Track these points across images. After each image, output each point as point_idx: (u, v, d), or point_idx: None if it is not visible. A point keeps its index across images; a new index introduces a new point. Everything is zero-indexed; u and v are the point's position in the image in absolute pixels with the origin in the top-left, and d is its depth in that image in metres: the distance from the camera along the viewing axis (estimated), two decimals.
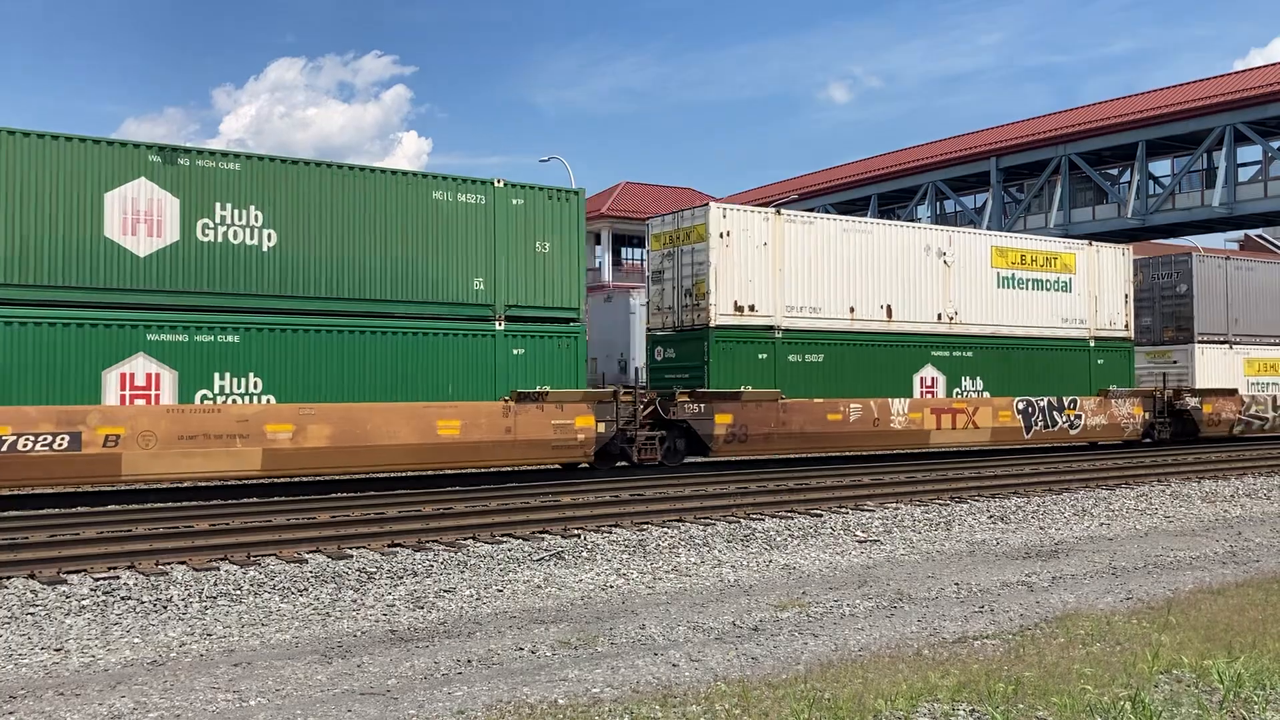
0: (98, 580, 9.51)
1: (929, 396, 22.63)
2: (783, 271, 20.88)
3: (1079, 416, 24.89)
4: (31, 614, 8.45)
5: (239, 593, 9.25)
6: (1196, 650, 6.53)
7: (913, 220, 49.36)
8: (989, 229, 48.68)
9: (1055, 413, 24.53)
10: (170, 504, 15.00)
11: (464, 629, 8.04)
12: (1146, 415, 26.18)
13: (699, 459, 20.88)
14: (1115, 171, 47.80)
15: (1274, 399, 29.30)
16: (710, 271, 20.07)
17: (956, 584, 9.73)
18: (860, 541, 12.42)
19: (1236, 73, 46.45)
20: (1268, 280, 29.79)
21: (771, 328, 20.71)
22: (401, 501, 15.25)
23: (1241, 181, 41.96)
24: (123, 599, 8.90)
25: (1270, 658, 6.29)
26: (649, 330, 21.95)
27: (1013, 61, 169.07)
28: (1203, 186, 43.22)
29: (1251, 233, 64.98)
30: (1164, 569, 10.60)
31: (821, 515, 13.97)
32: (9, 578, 9.55)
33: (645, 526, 12.87)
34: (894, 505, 15.03)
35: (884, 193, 53.66)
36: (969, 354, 23.32)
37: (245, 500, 15.40)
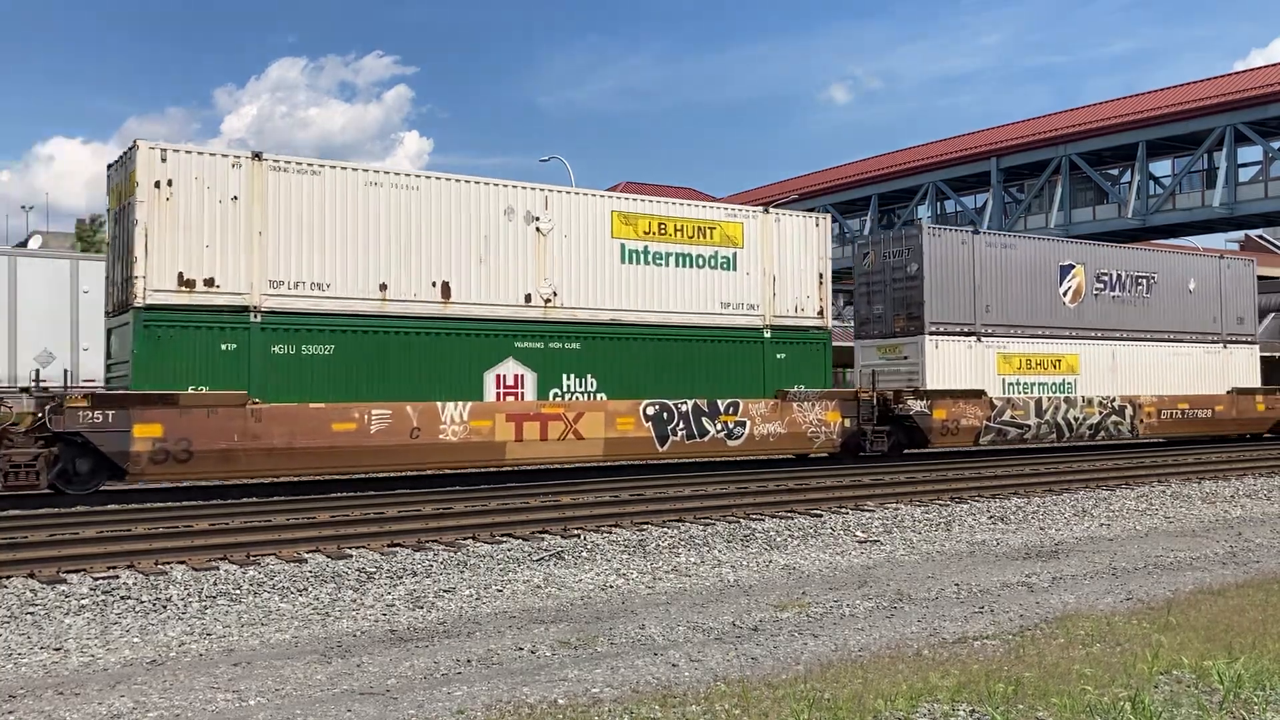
0: (97, 580, 9.50)
1: (509, 400, 18.11)
2: (264, 235, 16.18)
3: (742, 424, 20.22)
4: (31, 613, 8.45)
5: (238, 592, 9.25)
6: (1196, 651, 6.52)
7: (913, 221, 49.31)
8: (989, 229, 48.81)
9: (706, 419, 19.87)
10: (169, 504, 14.99)
11: (463, 629, 8.04)
12: (848, 423, 21.35)
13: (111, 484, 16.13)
14: (1116, 172, 47.79)
15: (1038, 403, 24.30)
16: (139, 232, 15.42)
17: (956, 584, 9.73)
18: (860, 542, 12.41)
19: (1237, 73, 46.46)
20: (1031, 261, 24.84)
21: (245, 309, 16.04)
22: (401, 501, 15.25)
23: (1242, 182, 41.96)
24: (122, 598, 8.89)
25: (1270, 658, 6.29)
26: (106, 314, 17.44)
27: (1013, 62, 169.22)
28: (1203, 187, 43.22)
29: (1252, 233, 64.97)
30: (1164, 569, 10.60)
31: (821, 515, 13.96)
32: (8, 577, 9.54)
33: (645, 526, 12.86)
34: (894, 505, 15.02)
35: (884, 193, 53.67)
36: (575, 346, 18.80)
37: (244, 500, 15.39)
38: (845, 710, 5.37)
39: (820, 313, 21.52)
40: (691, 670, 6.58)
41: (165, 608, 8.71)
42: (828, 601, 8.94)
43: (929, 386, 22.79)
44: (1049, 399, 24.59)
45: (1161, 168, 46.70)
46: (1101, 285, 26.10)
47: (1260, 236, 68.10)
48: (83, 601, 8.78)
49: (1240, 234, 65.07)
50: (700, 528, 12.83)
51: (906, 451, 23.15)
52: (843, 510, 14.49)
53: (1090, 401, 25.28)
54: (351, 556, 10.70)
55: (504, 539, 11.86)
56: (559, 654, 7.17)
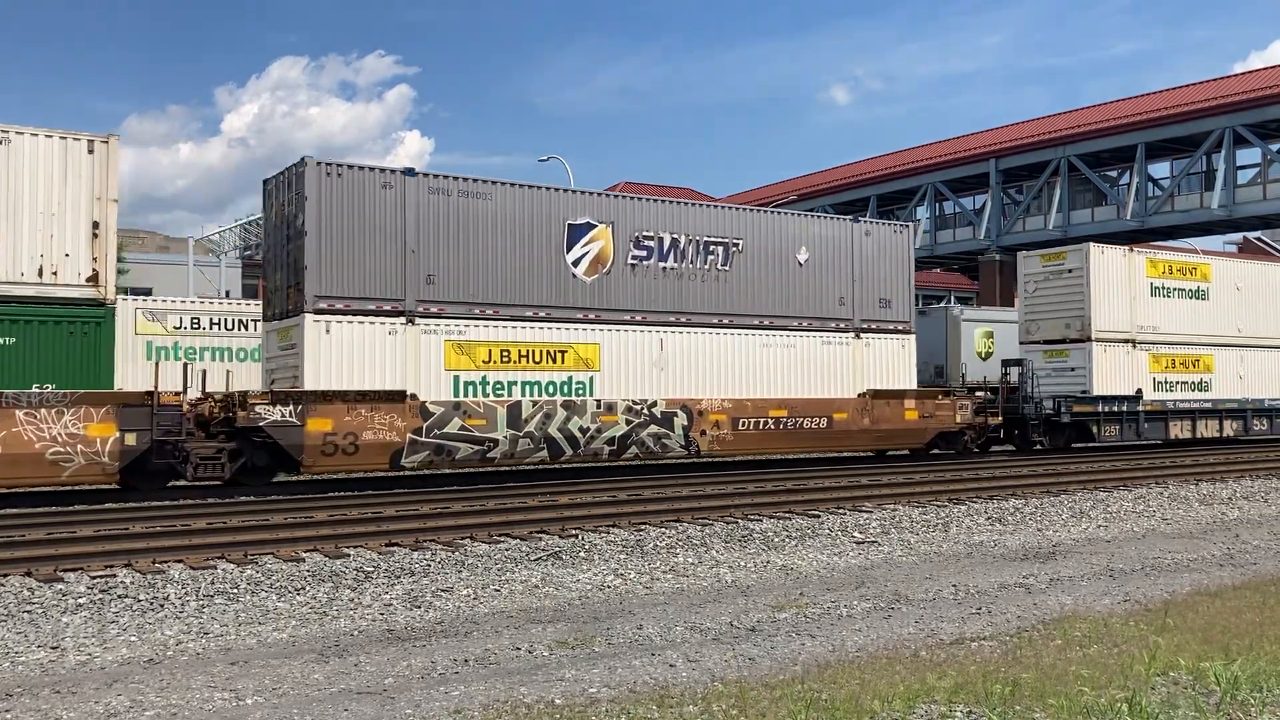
0: (94, 578, 9.50)
1: None
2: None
3: None
4: (28, 612, 8.45)
5: (236, 591, 9.25)
6: (1194, 652, 6.53)
7: (912, 222, 49.49)
8: (988, 230, 48.79)
9: None
10: (167, 502, 14.99)
11: (461, 628, 8.04)
12: (132, 439, 15.14)
13: None
14: (1115, 173, 47.83)
15: (513, 409, 18.09)
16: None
17: (954, 585, 9.73)
18: (858, 542, 12.41)
19: (1235, 75, 46.54)
20: (517, 217, 18.71)
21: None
22: (399, 501, 15.25)
23: (1240, 184, 41.99)
24: (119, 597, 8.89)
25: (1267, 660, 6.29)
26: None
27: (1014, 63, 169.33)
28: (1202, 189, 43.26)
29: (1250, 235, 65.03)
30: (1161, 571, 10.60)
31: (819, 516, 13.97)
32: (6, 575, 9.54)
33: (643, 527, 12.86)
34: (892, 506, 15.03)
35: (883, 194, 53.70)
36: None
37: (241, 499, 15.39)
38: (843, 711, 5.37)
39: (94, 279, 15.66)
40: (689, 670, 6.58)
41: (163, 607, 8.70)
42: (825, 602, 8.94)
43: (309, 385, 16.55)
44: (535, 403, 18.40)
45: (1160, 169, 46.75)
46: (644, 253, 19.92)
47: (1259, 239, 68.15)
48: (80, 600, 8.78)
49: (1239, 236, 65.14)
50: (698, 528, 12.83)
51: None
52: (840, 511, 14.49)
53: (611, 407, 19.11)
54: (349, 556, 10.70)
55: (502, 539, 11.86)
56: (556, 654, 7.16)
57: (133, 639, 7.74)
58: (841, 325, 22.19)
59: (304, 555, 10.73)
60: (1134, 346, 26.40)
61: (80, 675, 6.75)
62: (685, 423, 20.02)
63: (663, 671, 6.56)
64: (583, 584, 9.90)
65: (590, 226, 19.53)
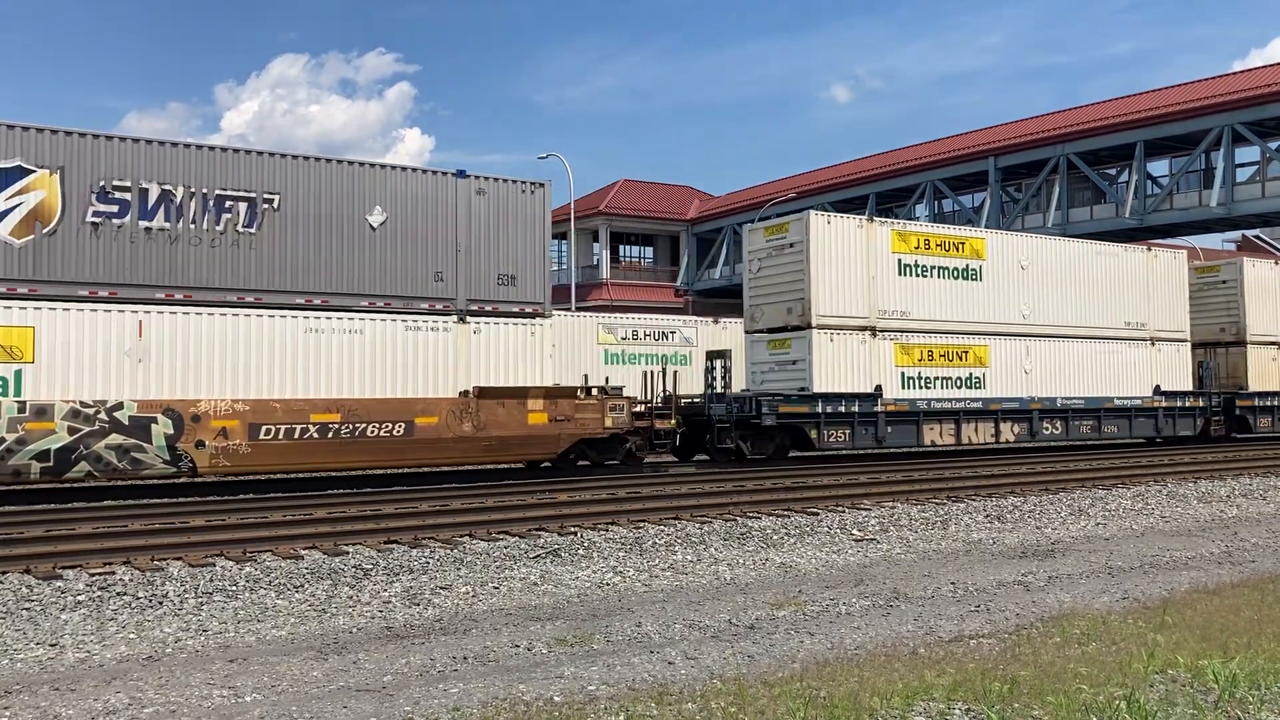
0: (93, 576, 9.50)
1: None
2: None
3: None
4: (27, 609, 8.44)
5: (235, 589, 9.24)
6: (1192, 650, 6.53)
7: (911, 220, 49.45)
8: (987, 228, 48.78)
9: None
10: (166, 499, 14.99)
11: (460, 626, 8.04)
12: None
13: None
14: (1114, 171, 47.82)
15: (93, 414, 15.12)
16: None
17: (953, 583, 9.73)
18: (857, 540, 12.42)
19: (1235, 73, 46.50)
20: None
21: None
22: (398, 499, 15.25)
23: (1239, 182, 41.99)
24: (118, 594, 8.89)
25: (1265, 658, 6.30)
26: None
27: (1015, 62, 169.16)
28: (1201, 187, 43.25)
29: (1249, 233, 65.07)
30: (1160, 569, 10.61)
31: (818, 514, 13.97)
32: (4, 573, 9.54)
33: (642, 524, 12.87)
34: (891, 504, 15.03)
35: (882, 191, 53.67)
36: None
37: (241, 497, 15.39)
38: (842, 708, 5.37)
39: None
40: (688, 668, 6.58)
41: (161, 604, 8.70)
42: (824, 600, 8.94)
43: None
44: None
45: (1159, 167, 46.73)
46: (114, 208, 15.82)
47: (1258, 237, 68.17)
48: (79, 597, 8.78)
49: (1237, 234, 65.16)
50: (697, 526, 12.83)
51: None
52: (839, 509, 14.50)
53: (44, 411, 14.93)
54: (348, 553, 10.70)
55: (500, 536, 11.86)
56: (555, 651, 7.17)
57: (131, 636, 7.74)
58: (438, 306, 18.07)
59: (303, 553, 10.73)
60: (873, 335, 22.07)
61: (79, 673, 6.74)
62: (170, 431, 15.61)
63: (661, 669, 6.56)
64: (581, 582, 9.90)
65: (23, 172, 15.22)
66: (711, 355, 23.03)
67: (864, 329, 22.09)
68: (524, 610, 8.66)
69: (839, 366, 21.70)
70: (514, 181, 19.04)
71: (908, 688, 5.75)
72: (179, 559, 10.28)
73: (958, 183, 51.16)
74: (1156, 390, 26.61)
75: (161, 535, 11.55)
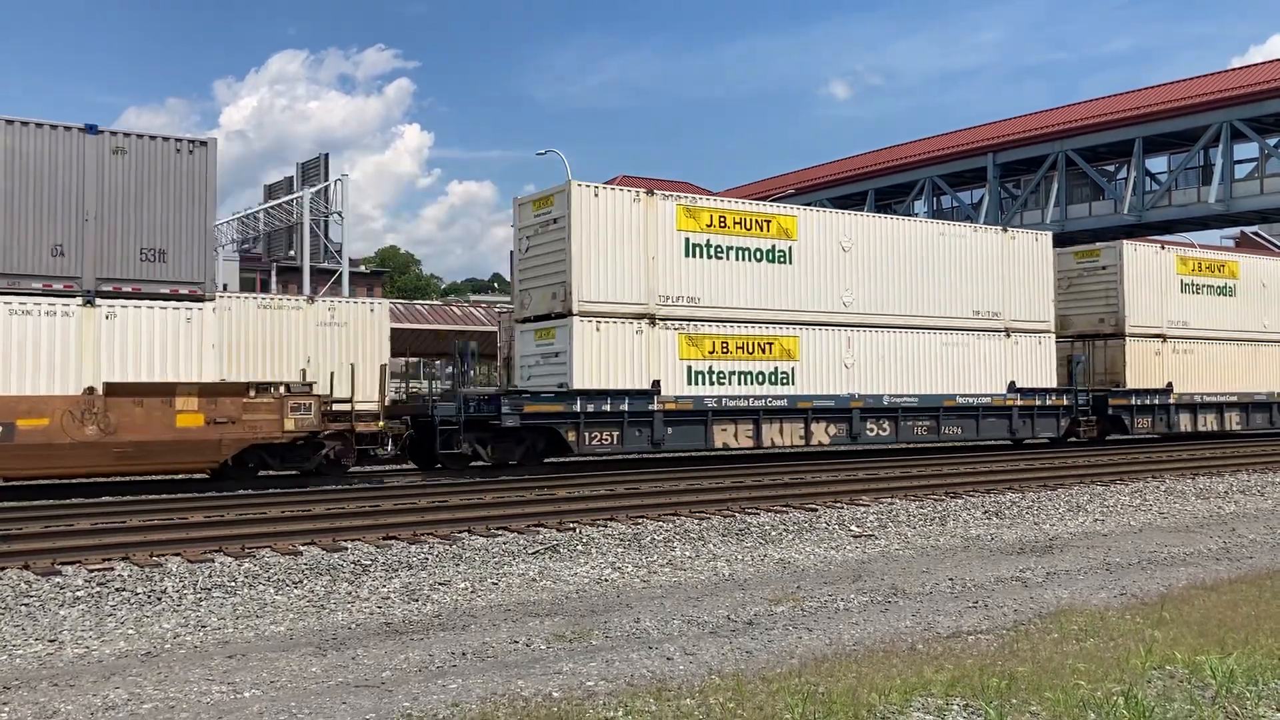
0: (92, 571, 9.50)
1: None
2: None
3: None
4: (26, 605, 8.45)
5: (233, 585, 9.25)
6: (1190, 646, 6.54)
7: (909, 216, 49.50)
8: (986, 224, 48.71)
9: None
10: (165, 495, 14.99)
11: (459, 622, 8.04)
12: None
13: None
14: (1112, 168, 47.83)
15: None
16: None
17: (951, 579, 9.74)
18: (855, 536, 12.43)
19: (1233, 69, 46.51)
20: None
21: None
22: (397, 495, 15.26)
23: (1238, 178, 41.99)
24: (117, 590, 8.89)
25: (1263, 654, 6.31)
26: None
27: (1014, 58, 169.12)
28: (1199, 183, 43.26)
29: (1247, 230, 65.09)
30: (1158, 565, 10.62)
31: (816, 510, 13.98)
32: (3, 569, 9.54)
33: (640, 520, 12.87)
34: (889, 500, 15.04)
35: (881, 188, 53.66)
36: None
37: (240, 493, 15.39)
38: (840, 704, 5.38)
39: None
40: (686, 664, 6.59)
41: (160, 600, 8.70)
42: (822, 596, 8.95)
43: None
44: None
45: (1158, 164, 46.73)
46: None
47: (1256, 233, 68.19)
48: (77, 593, 8.78)
49: (1236, 230, 65.17)
50: (695, 522, 12.84)
51: None
52: (838, 505, 14.51)
53: None
54: (347, 549, 10.71)
55: (499, 532, 11.87)
56: (554, 647, 7.17)
57: (130, 632, 7.74)
58: (56, 286, 15.17)
59: (301, 548, 10.73)
60: (652, 324, 19.41)
61: (78, 668, 6.75)
62: None
63: (660, 665, 6.57)
64: (580, 577, 9.91)
65: None
66: (457, 344, 20.79)
67: (640, 317, 19.28)
68: (522, 606, 8.67)
69: (608, 360, 18.92)
70: (166, 139, 16.16)
71: (906, 684, 5.76)
72: (178, 555, 10.28)
73: (956, 179, 51.17)
74: (1011, 387, 23.73)
75: (160, 531, 11.55)
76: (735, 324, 20.32)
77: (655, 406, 19.24)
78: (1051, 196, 46.79)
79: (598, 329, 18.82)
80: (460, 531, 11.85)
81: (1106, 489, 16.79)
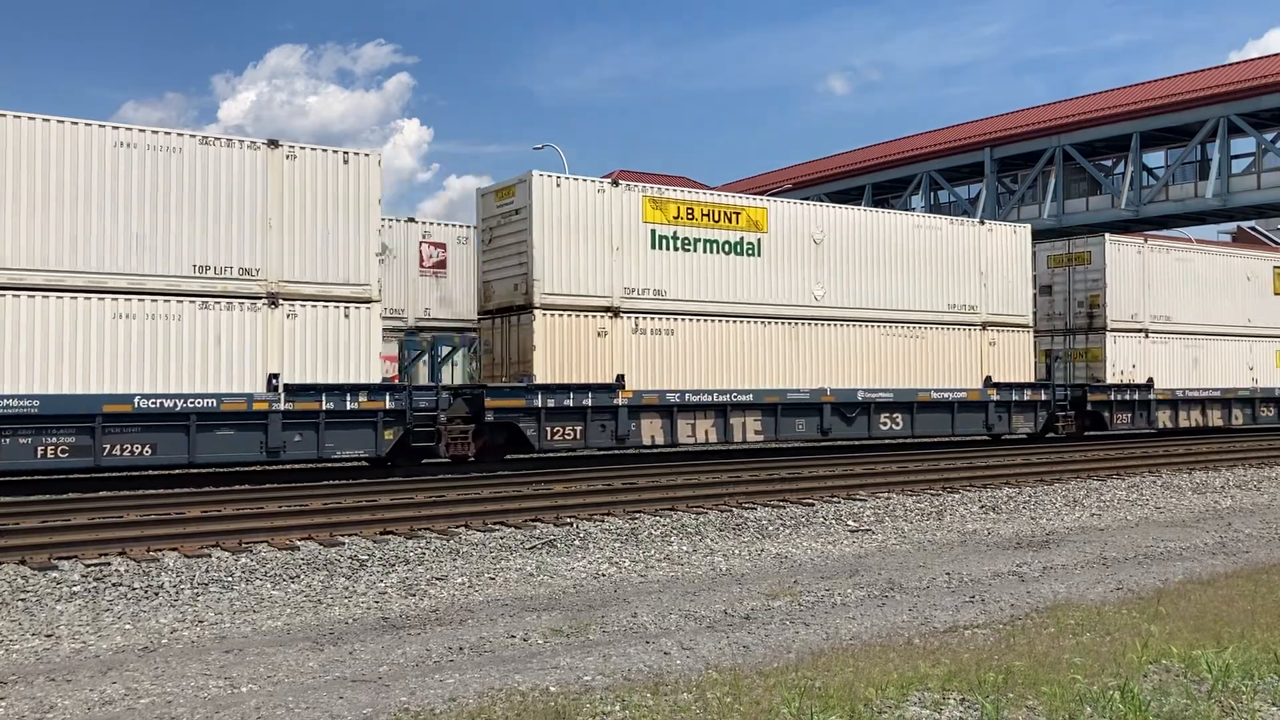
0: (89, 566, 9.49)
1: None
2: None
3: None
4: (22, 600, 8.44)
5: (230, 579, 9.24)
6: (1186, 640, 6.56)
7: (907, 211, 49.48)
8: (984, 219, 48.74)
9: None
10: (161, 490, 14.98)
11: (456, 617, 8.05)
12: None
13: None
14: (1109, 163, 47.84)
15: None
16: None
17: (948, 574, 9.76)
18: (852, 531, 12.44)
19: (1230, 64, 46.51)
20: None
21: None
22: (394, 489, 15.25)
23: (1235, 173, 42.01)
24: (114, 585, 8.88)
25: (1258, 648, 6.32)
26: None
27: (1011, 53, 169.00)
28: (1196, 178, 43.29)
29: (1245, 225, 65.15)
30: (1154, 559, 10.64)
31: (814, 504, 13.99)
32: (0, 564, 9.53)
33: (638, 515, 12.87)
34: (886, 495, 15.06)
35: (878, 182, 53.65)
36: None
37: (237, 487, 15.37)
38: (837, 699, 5.39)
39: None
40: (683, 658, 6.60)
41: (157, 595, 8.70)
42: (819, 590, 8.96)
43: None
44: None
45: (1155, 159, 46.75)
46: None
47: (1253, 228, 68.25)
48: (74, 588, 8.77)
49: (1233, 225, 65.21)
50: (693, 516, 12.84)
51: None
52: (835, 499, 14.52)
53: None
54: (344, 544, 10.70)
55: (496, 527, 11.87)
56: (551, 642, 7.18)
57: (127, 627, 7.74)
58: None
59: (298, 543, 10.73)
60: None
61: (75, 663, 6.75)
62: None
63: (657, 659, 6.57)
64: (577, 572, 9.92)
65: None
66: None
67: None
68: (520, 601, 8.67)
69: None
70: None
71: (903, 678, 5.77)
72: (175, 550, 10.27)
73: (954, 174, 51.19)
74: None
75: (157, 526, 11.54)
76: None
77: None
78: (1049, 191, 46.81)
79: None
80: (457, 526, 11.85)
81: (1103, 484, 16.81)
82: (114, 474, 16.13)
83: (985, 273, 23.48)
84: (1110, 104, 45.57)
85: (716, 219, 20.11)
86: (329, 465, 18.19)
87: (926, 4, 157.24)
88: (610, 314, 18.79)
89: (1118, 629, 7.07)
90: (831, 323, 21.34)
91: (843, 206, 23.50)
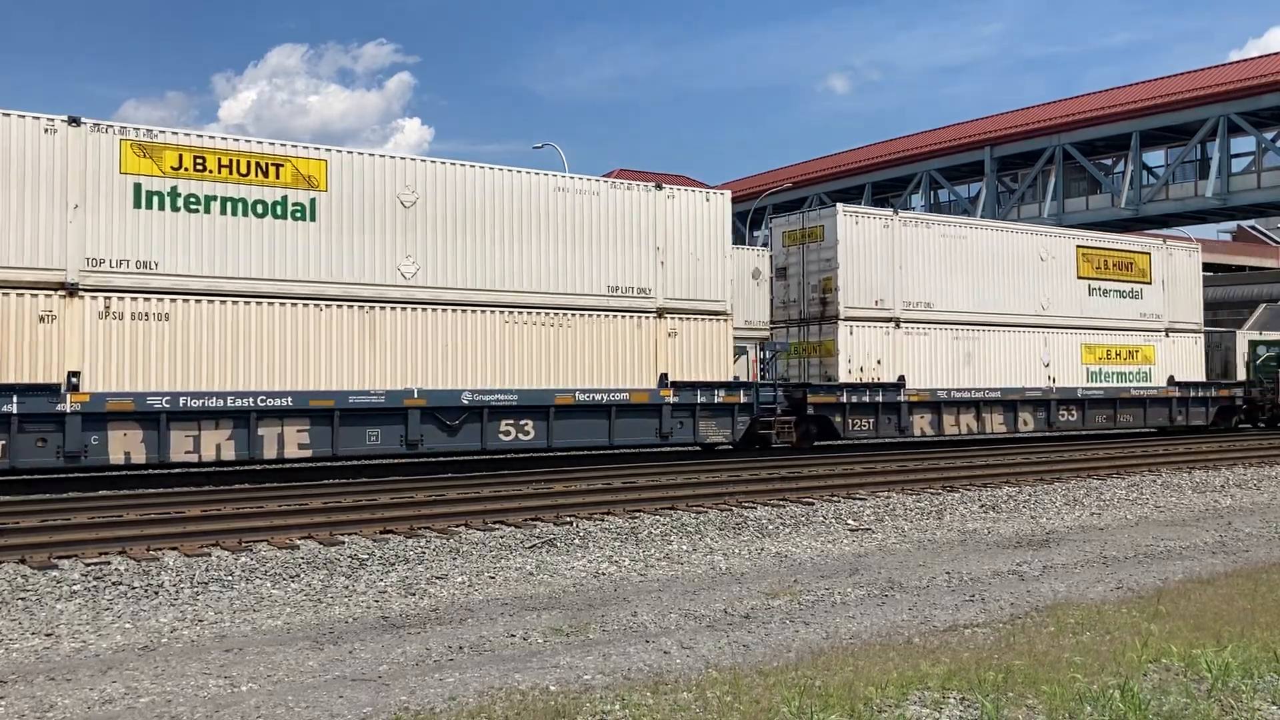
0: (89, 565, 9.49)
1: None
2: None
3: None
4: (23, 599, 8.44)
5: (230, 579, 9.24)
6: (1185, 639, 6.55)
7: (907, 210, 49.53)
8: (983, 218, 48.82)
9: None
10: (161, 489, 14.97)
11: (456, 616, 8.05)
12: None
13: None
14: (1109, 162, 47.86)
15: None
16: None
17: (948, 573, 9.76)
18: (852, 530, 12.44)
19: (1230, 63, 46.50)
20: None
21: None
22: (394, 489, 15.25)
23: (1235, 172, 42.03)
24: (114, 584, 8.88)
25: (1258, 647, 6.32)
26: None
27: (1012, 52, 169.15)
28: (1196, 177, 43.31)
29: (1244, 223, 65.16)
30: (1154, 559, 10.64)
31: (814, 503, 13.99)
32: (0, 563, 9.53)
33: (637, 514, 12.88)
34: (886, 494, 15.06)
35: (878, 181, 53.66)
36: None
37: (237, 486, 15.37)
38: (836, 698, 5.39)
39: None
40: (683, 657, 6.60)
41: (157, 594, 8.70)
42: (819, 589, 8.96)
43: None
44: None
45: (1155, 158, 46.77)
46: None
47: (1253, 227, 68.28)
48: (74, 587, 8.77)
49: (1233, 224, 65.22)
50: (693, 515, 12.84)
51: None
52: (835, 498, 14.52)
53: None
54: (344, 543, 10.70)
55: (496, 526, 11.87)
56: (551, 641, 7.18)
57: (127, 626, 7.74)
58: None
59: (299, 542, 10.73)
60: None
61: (75, 662, 6.75)
62: None
63: (657, 658, 6.57)
64: (577, 571, 9.91)
65: None
66: None
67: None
68: (520, 600, 8.67)
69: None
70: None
71: (903, 677, 5.77)
72: (175, 549, 10.27)
73: (954, 173, 51.21)
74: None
75: (157, 525, 11.54)
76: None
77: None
78: (1049, 190, 46.82)
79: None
80: (457, 525, 11.85)
81: (1103, 483, 16.82)
82: (114, 472, 16.14)
83: (663, 249, 19.47)
84: (1110, 103, 45.57)
85: (245, 171, 15.96)
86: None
87: (926, 4, 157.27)
88: (64, 293, 14.70)
89: (1117, 628, 7.07)
90: (428, 307, 17.28)
91: (444, 160, 17.95)
